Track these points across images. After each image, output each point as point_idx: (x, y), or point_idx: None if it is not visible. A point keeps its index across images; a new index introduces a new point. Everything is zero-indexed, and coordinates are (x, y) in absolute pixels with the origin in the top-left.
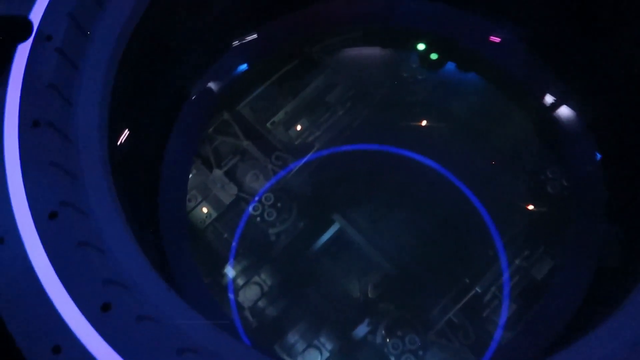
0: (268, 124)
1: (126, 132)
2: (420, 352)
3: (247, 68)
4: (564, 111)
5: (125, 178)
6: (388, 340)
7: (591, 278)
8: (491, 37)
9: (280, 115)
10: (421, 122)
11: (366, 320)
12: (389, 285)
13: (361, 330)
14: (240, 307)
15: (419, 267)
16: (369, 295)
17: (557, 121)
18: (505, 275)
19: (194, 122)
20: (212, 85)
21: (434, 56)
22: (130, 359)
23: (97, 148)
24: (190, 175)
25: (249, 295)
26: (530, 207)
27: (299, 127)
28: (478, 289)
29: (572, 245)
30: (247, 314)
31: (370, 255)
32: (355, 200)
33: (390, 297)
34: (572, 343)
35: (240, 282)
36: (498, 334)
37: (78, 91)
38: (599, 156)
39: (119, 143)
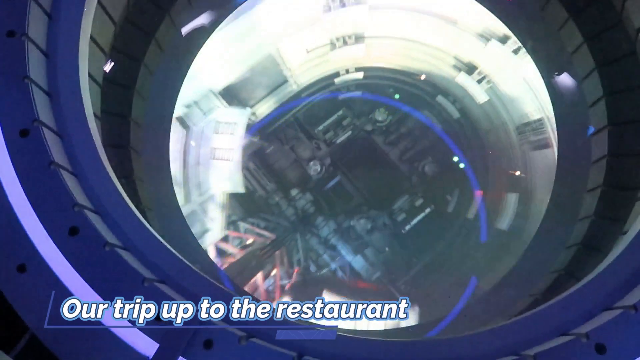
0: (315, 130)
1: (110, 58)
2: (369, 227)
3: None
4: (566, 78)
5: (110, 101)
6: (357, 224)
7: (562, 250)
8: None
9: (322, 127)
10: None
11: (349, 219)
12: (360, 207)
13: (347, 222)
14: (295, 208)
15: (382, 203)
16: (351, 210)
17: (557, 85)
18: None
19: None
20: (206, 14)
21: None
22: (94, 284)
23: (77, 65)
24: (272, 148)
25: (300, 203)
26: (514, 172)
27: (330, 133)
28: (394, 207)
29: (548, 216)
30: (299, 211)
31: (354, 193)
32: (355, 163)
33: (361, 212)
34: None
35: (297, 197)
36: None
37: (58, 3)
38: (591, 129)
39: (105, 67)
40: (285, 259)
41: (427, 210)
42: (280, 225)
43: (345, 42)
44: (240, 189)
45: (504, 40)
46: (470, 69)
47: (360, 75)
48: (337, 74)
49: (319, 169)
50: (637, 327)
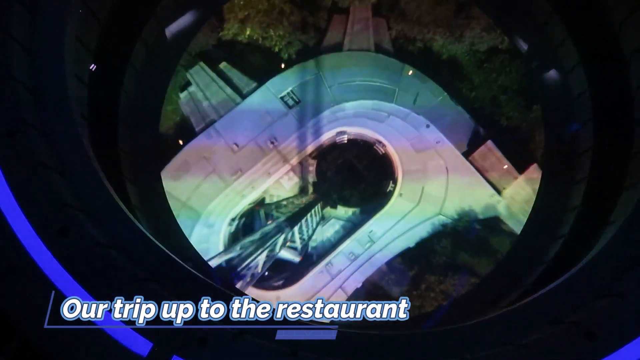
0: (328, 158)
1: (96, 57)
2: (349, 196)
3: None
4: (553, 74)
5: (97, 100)
6: (345, 195)
7: (550, 243)
8: None
9: (329, 158)
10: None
11: (342, 193)
12: (346, 188)
13: (341, 194)
14: (320, 190)
15: (355, 186)
16: (343, 189)
17: (545, 83)
18: None
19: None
20: (190, 14)
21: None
22: (86, 284)
23: (63, 64)
24: (311, 168)
25: (324, 186)
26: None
27: (335, 160)
28: (360, 188)
29: (535, 212)
30: (319, 189)
31: (344, 183)
32: (345, 171)
33: (346, 190)
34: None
35: (322, 186)
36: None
37: (42, 3)
38: (575, 126)
39: (91, 67)
40: (320, 205)
41: (371, 190)
42: (316, 194)
43: (340, 135)
44: (315, 179)
45: None
46: None
47: (345, 142)
48: (336, 144)
49: (330, 174)
50: (626, 315)
